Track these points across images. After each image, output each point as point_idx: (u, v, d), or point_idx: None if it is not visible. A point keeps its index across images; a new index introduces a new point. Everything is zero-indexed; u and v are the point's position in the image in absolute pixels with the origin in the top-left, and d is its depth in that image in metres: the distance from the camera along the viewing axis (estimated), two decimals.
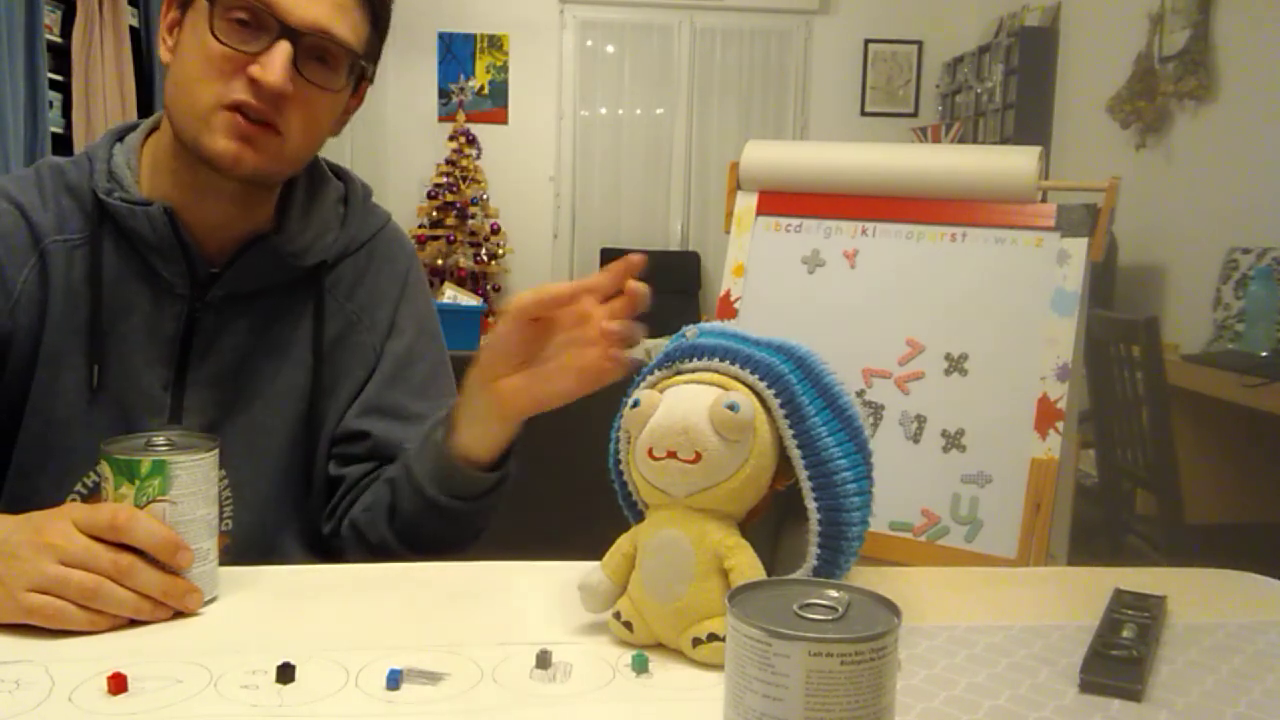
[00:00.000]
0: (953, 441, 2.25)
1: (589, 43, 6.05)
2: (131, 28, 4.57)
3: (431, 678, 0.65)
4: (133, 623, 0.71)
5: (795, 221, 2.49)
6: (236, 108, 0.87)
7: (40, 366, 0.93)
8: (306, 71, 0.88)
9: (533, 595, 0.79)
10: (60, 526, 0.71)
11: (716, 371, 0.70)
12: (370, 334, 1.02)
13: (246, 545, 0.95)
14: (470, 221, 5.72)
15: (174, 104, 0.92)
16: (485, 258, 5.72)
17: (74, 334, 0.93)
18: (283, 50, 0.86)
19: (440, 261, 5.62)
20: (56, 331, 0.93)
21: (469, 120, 5.88)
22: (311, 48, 0.88)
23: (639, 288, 0.78)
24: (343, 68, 0.91)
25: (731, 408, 0.65)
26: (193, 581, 0.74)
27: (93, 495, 0.76)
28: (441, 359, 1.07)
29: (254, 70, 0.86)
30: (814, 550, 0.68)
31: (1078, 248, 2.20)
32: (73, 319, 0.93)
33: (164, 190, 0.94)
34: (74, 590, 0.69)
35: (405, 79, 5.91)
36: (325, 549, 1.01)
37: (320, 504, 1.01)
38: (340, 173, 1.07)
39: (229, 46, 0.86)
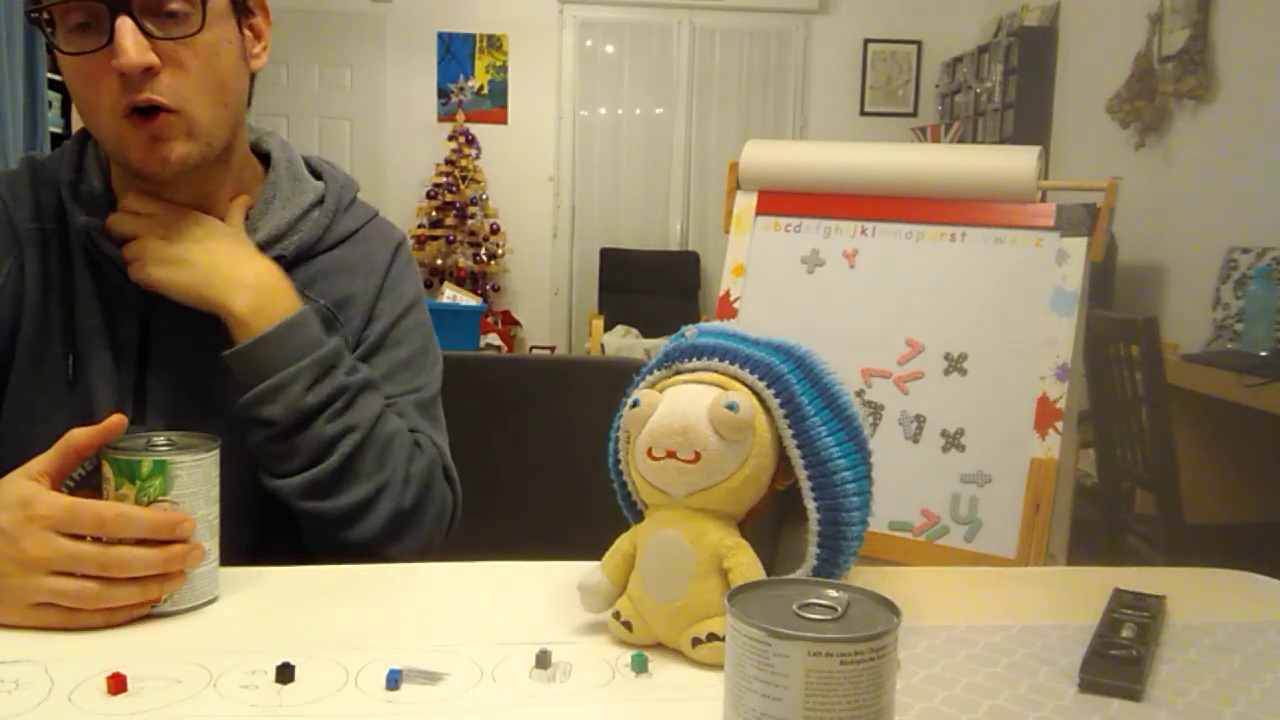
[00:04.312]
0: (952, 441, 2.25)
1: (588, 43, 6.04)
2: None
3: (431, 678, 0.65)
4: (136, 620, 0.72)
5: (795, 221, 2.49)
6: (130, 112, 0.85)
7: (18, 357, 0.93)
8: (162, 31, 0.85)
9: (533, 595, 0.79)
10: (36, 536, 0.69)
11: (716, 371, 0.70)
12: (346, 330, 1.01)
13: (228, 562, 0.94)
14: (470, 221, 5.72)
15: (90, 132, 0.92)
16: (485, 258, 5.72)
17: (50, 325, 0.93)
18: (124, 27, 0.82)
19: (440, 261, 5.61)
20: (32, 323, 0.93)
21: (468, 120, 5.88)
22: (150, 6, 0.84)
23: None
24: (196, 7, 0.86)
25: (731, 407, 0.65)
26: (195, 580, 0.74)
27: (80, 487, 0.76)
28: (417, 345, 1.05)
29: (114, 63, 0.82)
30: (813, 550, 0.68)
31: (1077, 247, 2.20)
32: (47, 310, 0.93)
33: (131, 185, 0.94)
34: (74, 599, 0.69)
35: (405, 79, 5.91)
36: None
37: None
38: (322, 173, 1.06)
39: (83, 54, 0.84)
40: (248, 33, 0.94)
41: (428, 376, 1.04)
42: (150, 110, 0.85)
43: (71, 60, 0.85)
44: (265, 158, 1.03)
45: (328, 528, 0.92)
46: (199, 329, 0.92)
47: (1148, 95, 4.04)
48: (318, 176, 1.05)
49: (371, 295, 1.03)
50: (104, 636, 0.70)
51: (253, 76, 0.96)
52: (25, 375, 0.93)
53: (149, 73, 0.84)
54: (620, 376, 0.81)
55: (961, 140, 5.43)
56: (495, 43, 5.95)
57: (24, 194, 0.96)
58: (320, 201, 1.03)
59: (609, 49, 6.08)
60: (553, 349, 5.95)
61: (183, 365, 0.94)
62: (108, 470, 0.73)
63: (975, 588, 0.87)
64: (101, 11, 0.83)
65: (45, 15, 0.85)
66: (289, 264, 0.98)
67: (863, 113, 6.08)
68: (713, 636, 0.66)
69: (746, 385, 0.69)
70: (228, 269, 0.91)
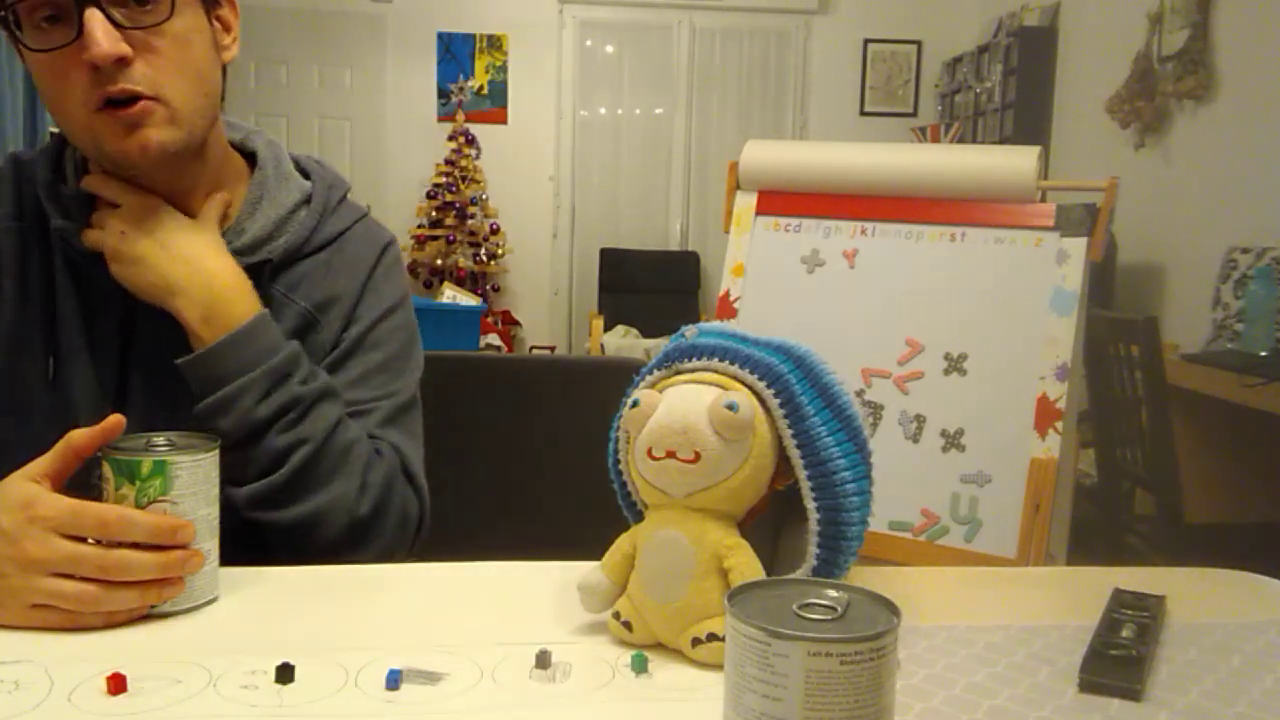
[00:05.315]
0: (952, 441, 2.25)
1: (588, 43, 6.04)
2: None
3: (431, 678, 0.65)
4: (135, 619, 0.72)
5: (795, 221, 2.49)
6: (103, 105, 0.84)
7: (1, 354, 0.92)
8: (131, 21, 0.84)
9: (533, 595, 0.79)
10: (37, 538, 0.69)
11: (716, 371, 0.70)
12: (326, 332, 0.99)
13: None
14: (470, 221, 5.72)
15: (63, 131, 0.90)
16: (485, 258, 5.71)
17: (30, 324, 0.92)
18: (93, 18, 0.81)
19: (439, 261, 5.61)
20: (12, 322, 0.92)
21: (468, 120, 5.88)
22: None
23: None
24: None
25: (731, 407, 0.65)
26: (195, 581, 0.74)
27: (69, 489, 0.75)
28: (395, 349, 1.03)
29: (85, 56, 0.81)
30: (813, 550, 0.68)
31: (1077, 247, 2.21)
32: (27, 309, 0.93)
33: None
34: (73, 602, 0.69)
35: (404, 79, 5.91)
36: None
37: None
38: (310, 172, 1.04)
39: (51, 50, 0.83)
40: (216, 24, 0.93)
41: (403, 382, 1.02)
42: (126, 101, 0.84)
43: (40, 58, 0.84)
44: (251, 158, 1.02)
45: (280, 537, 0.90)
46: (182, 332, 0.91)
47: (1148, 95, 4.04)
48: (306, 176, 1.04)
49: (353, 297, 1.01)
50: (104, 636, 0.70)
51: (224, 71, 0.95)
52: (5, 374, 0.92)
53: (121, 63, 0.83)
54: (620, 376, 0.81)
55: (961, 140, 5.43)
56: (495, 43, 5.95)
57: (6, 191, 0.95)
58: (307, 201, 1.01)
59: (609, 49, 6.08)
60: (553, 349, 5.95)
61: (163, 365, 0.92)
62: (108, 470, 0.73)
63: (975, 588, 0.87)
64: (68, 4, 0.82)
65: (10, 15, 0.84)
66: (275, 268, 0.97)
67: (863, 113, 6.08)
68: (713, 636, 0.66)
69: (746, 385, 0.69)
70: (183, 270, 0.89)
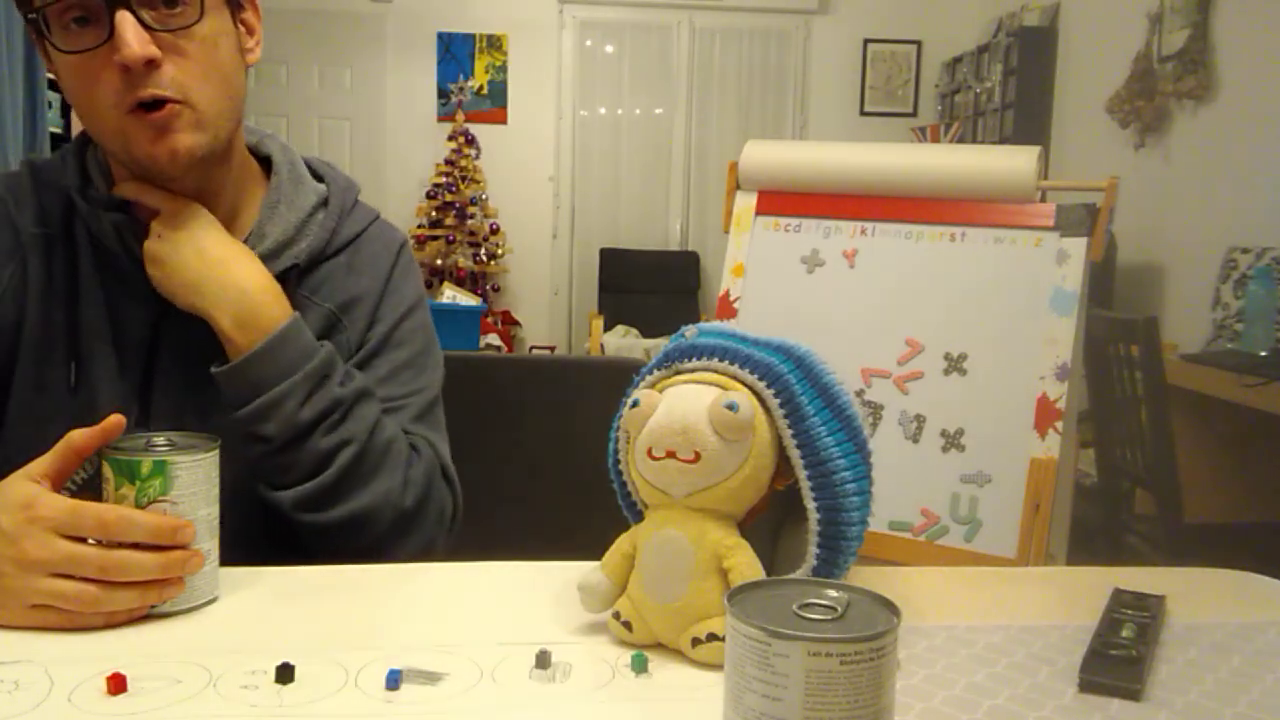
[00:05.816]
0: (952, 441, 2.25)
1: (588, 43, 6.04)
2: None
3: (431, 678, 0.65)
4: (135, 619, 0.72)
5: (794, 221, 2.49)
6: (135, 107, 0.84)
7: (21, 362, 0.92)
8: (161, 23, 0.84)
9: (533, 595, 0.79)
10: (37, 538, 0.69)
11: (716, 371, 0.71)
12: (350, 332, 1.01)
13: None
14: (469, 221, 5.72)
15: (91, 133, 0.91)
16: (484, 258, 5.72)
17: (53, 330, 0.93)
18: (124, 21, 0.81)
19: (439, 261, 5.61)
20: (35, 327, 0.93)
21: (468, 120, 5.88)
22: None
23: None
24: None
25: (731, 407, 0.65)
26: (194, 581, 0.74)
27: (81, 491, 0.76)
28: (418, 347, 1.05)
29: (116, 58, 0.82)
30: (813, 550, 0.68)
31: (1077, 247, 2.20)
32: (50, 315, 0.93)
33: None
34: (73, 602, 0.69)
35: (404, 79, 5.91)
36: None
37: None
38: (323, 175, 1.05)
39: (81, 51, 0.83)
40: (241, 27, 0.94)
41: (428, 378, 1.04)
42: (155, 104, 0.85)
43: (70, 59, 0.85)
44: (266, 161, 1.03)
45: (326, 537, 0.91)
46: (209, 333, 0.91)
47: (1147, 95, 4.04)
48: (318, 178, 1.05)
49: (374, 298, 1.03)
50: (104, 636, 0.70)
51: (247, 72, 0.96)
52: (28, 380, 0.92)
53: (151, 66, 0.83)
54: (620, 376, 0.81)
55: (961, 140, 5.43)
56: (495, 43, 5.95)
57: (26, 198, 0.95)
58: (324, 204, 1.02)
59: (609, 49, 6.08)
60: (553, 349, 5.95)
61: (190, 370, 0.93)
62: (108, 470, 0.73)
63: (975, 588, 0.87)
64: (98, 7, 0.82)
65: (41, 16, 0.84)
66: (301, 272, 0.98)
67: (863, 113, 6.08)
68: (713, 636, 0.66)
69: (746, 385, 0.69)
70: (216, 273, 0.90)
